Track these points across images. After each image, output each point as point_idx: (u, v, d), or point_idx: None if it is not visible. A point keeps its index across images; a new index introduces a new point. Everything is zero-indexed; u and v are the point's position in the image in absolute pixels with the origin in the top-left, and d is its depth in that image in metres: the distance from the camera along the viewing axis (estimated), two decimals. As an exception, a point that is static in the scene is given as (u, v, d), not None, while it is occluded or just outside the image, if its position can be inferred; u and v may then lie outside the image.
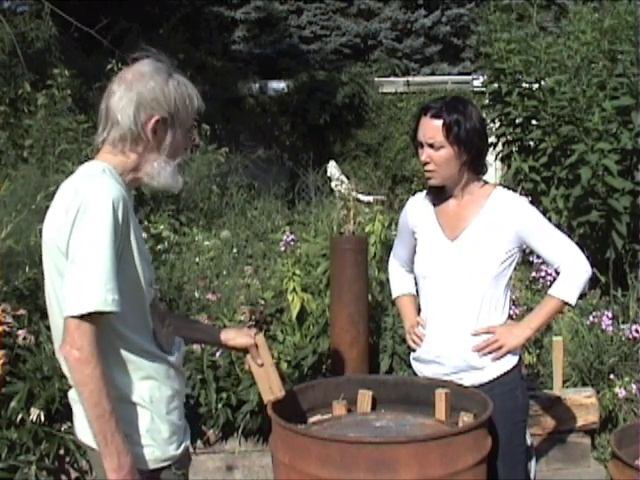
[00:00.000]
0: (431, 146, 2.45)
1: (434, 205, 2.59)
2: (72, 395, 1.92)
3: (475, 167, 2.50)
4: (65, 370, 1.88)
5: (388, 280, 2.95)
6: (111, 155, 1.89)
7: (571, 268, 2.47)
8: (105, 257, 1.72)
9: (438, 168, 2.47)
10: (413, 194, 2.76)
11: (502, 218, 2.47)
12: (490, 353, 2.47)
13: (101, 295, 1.70)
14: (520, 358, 2.57)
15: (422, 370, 2.61)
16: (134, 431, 1.83)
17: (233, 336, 2.22)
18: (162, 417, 1.89)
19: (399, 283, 2.82)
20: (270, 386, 2.23)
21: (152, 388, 1.88)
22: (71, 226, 1.75)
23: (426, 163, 2.48)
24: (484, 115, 5.72)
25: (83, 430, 1.87)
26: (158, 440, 1.88)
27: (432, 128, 2.44)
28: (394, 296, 2.85)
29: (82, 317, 1.70)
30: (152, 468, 1.87)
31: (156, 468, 1.88)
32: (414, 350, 2.64)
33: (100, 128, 1.90)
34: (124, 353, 1.83)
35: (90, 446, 1.85)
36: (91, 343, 1.71)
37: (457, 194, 2.53)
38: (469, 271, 2.45)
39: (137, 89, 1.86)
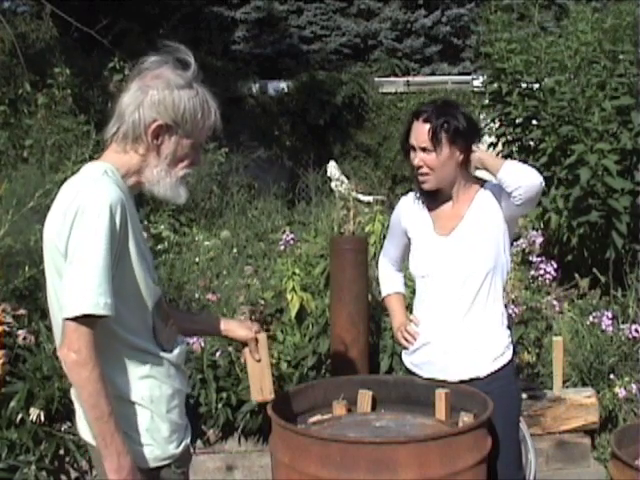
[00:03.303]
0: (424, 150, 2.50)
1: (428, 205, 2.62)
2: (74, 393, 1.92)
3: (467, 166, 2.54)
4: (65, 370, 1.89)
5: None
6: (115, 154, 1.89)
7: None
8: (99, 260, 1.72)
9: (432, 171, 2.51)
10: (406, 193, 2.79)
11: (492, 204, 2.53)
12: None
13: (93, 298, 1.70)
14: (514, 354, 2.59)
15: (414, 361, 2.62)
16: (134, 430, 1.84)
17: (234, 327, 2.23)
18: (162, 416, 1.90)
19: (389, 282, 2.84)
20: (262, 386, 2.22)
21: (152, 387, 1.88)
22: (69, 228, 1.76)
23: (419, 167, 2.52)
24: (484, 115, 5.73)
25: (84, 428, 1.88)
26: (158, 439, 1.89)
27: (424, 132, 2.49)
28: (384, 294, 2.86)
29: (79, 319, 1.70)
30: (152, 467, 1.87)
31: (156, 467, 1.89)
32: (406, 348, 2.66)
33: (110, 123, 1.90)
34: (122, 353, 1.83)
35: (91, 444, 1.86)
36: (88, 345, 1.71)
37: (454, 195, 2.57)
38: (466, 265, 2.49)
39: (149, 91, 1.86)
